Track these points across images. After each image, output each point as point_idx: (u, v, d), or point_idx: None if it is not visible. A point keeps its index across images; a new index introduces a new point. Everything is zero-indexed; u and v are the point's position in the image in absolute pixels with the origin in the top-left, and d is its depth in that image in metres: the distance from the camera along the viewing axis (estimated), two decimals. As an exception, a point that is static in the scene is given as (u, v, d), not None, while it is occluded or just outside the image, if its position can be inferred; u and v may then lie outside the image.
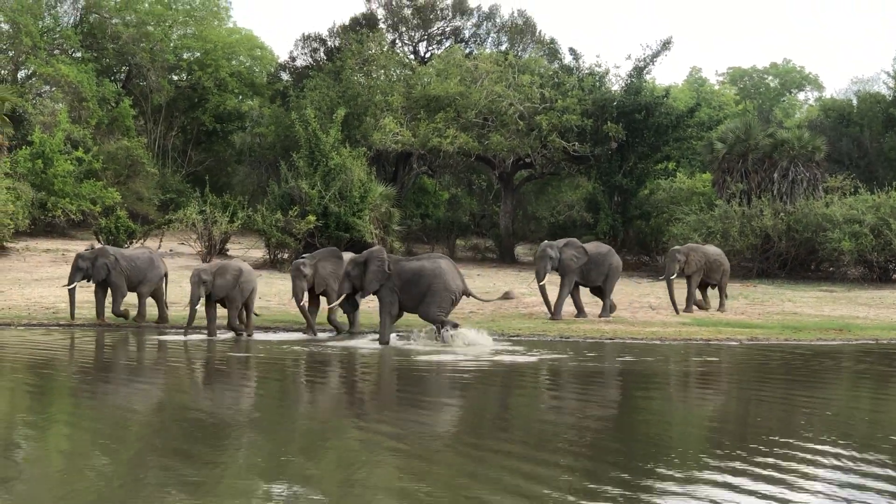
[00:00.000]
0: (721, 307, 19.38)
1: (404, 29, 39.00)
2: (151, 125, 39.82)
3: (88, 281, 16.78)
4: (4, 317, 16.68)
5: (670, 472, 7.34)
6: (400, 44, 39.03)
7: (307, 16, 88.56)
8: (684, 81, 56.42)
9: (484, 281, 24.16)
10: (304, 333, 15.83)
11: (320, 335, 15.78)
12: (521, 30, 39.48)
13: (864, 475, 7.29)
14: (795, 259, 27.78)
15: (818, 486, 7.02)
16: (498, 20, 39.75)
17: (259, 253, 27.56)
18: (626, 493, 6.76)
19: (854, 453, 7.95)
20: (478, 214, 37.11)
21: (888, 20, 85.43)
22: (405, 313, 15.43)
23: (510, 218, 33.57)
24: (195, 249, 27.28)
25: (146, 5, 40.15)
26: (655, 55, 31.80)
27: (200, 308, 15.41)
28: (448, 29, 39.18)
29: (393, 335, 15.28)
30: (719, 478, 7.15)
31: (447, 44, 38.46)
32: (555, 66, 35.42)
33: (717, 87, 56.19)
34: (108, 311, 16.74)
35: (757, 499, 6.67)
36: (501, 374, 12.67)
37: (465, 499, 6.66)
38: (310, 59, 38.97)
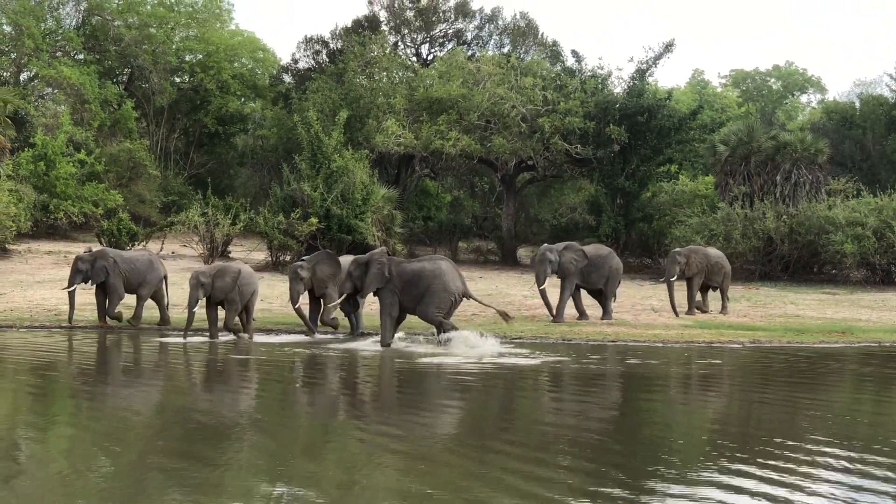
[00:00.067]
0: (723, 310, 19.33)
1: (407, 31, 39.04)
2: (153, 127, 39.87)
3: (88, 283, 16.77)
4: (6, 319, 16.67)
5: (672, 475, 7.33)
6: (402, 46, 39.08)
7: (309, 18, 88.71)
8: (687, 84, 56.42)
9: (486, 283, 24.14)
10: (306, 336, 15.86)
11: (319, 335, 15.81)
12: (524, 32, 39.54)
13: (867, 478, 7.28)
14: (798, 261, 27.74)
15: (821, 488, 7.00)
16: (500, 22, 39.85)
17: (261, 255, 27.56)
18: (628, 494, 6.74)
19: (857, 456, 7.94)
20: (480, 217, 37.09)
21: (891, 22, 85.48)
22: (408, 316, 15.43)
23: (512, 220, 33.54)
24: (197, 252, 27.29)
25: (148, 7, 40.24)
26: (658, 57, 31.82)
27: (201, 310, 15.40)
28: (450, 31, 39.23)
29: (399, 334, 15.28)
30: (722, 480, 7.13)
31: (449, 46, 38.49)
32: (557, 69, 35.49)
33: (719, 90, 56.14)
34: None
35: (760, 501, 6.65)
36: (504, 376, 12.64)
37: (466, 500, 6.64)
38: (312, 62, 38.99)
